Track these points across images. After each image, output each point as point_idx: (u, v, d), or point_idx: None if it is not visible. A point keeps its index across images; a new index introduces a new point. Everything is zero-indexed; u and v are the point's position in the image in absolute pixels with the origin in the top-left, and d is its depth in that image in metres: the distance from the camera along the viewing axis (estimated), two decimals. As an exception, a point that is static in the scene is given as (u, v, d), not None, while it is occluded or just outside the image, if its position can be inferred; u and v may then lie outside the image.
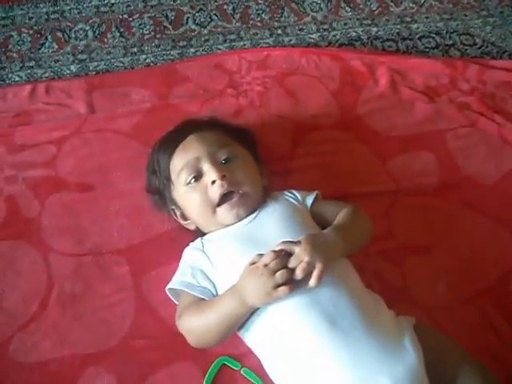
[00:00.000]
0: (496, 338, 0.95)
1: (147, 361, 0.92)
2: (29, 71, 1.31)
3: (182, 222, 0.99)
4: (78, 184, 1.09)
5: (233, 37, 1.40)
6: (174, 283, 0.90)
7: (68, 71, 1.32)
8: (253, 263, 0.79)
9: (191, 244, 0.95)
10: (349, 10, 1.47)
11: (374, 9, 1.47)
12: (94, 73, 1.31)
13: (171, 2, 1.46)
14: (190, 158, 0.92)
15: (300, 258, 0.78)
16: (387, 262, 1.02)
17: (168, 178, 0.96)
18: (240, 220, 0.91)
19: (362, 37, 1.41)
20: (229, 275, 0.83)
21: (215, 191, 0.89)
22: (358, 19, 1.44)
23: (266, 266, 0.77)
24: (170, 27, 1.41)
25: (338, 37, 1.41)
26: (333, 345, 0.76)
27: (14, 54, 1.35)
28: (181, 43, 1.38)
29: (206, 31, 1.41)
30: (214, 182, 0.89)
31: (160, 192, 1.00)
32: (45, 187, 1.09)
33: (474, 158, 1.16)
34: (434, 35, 1.41)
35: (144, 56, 1.35)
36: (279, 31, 1.41)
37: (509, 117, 1.21)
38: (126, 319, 0.95)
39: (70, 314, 0.96)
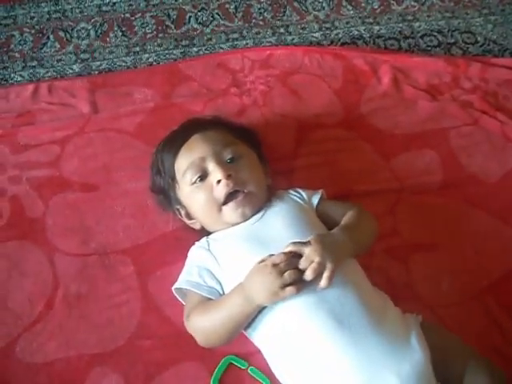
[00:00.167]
0: (500, 335, 0.95)
1: (154, 361, 0.92)
2: (31, 71, 1.31)
3: (187, 222, 0.98)
4: (82, 184, 1.09)
5: (235, 36, 1.39)
6: (181, 283, 0.90)
7: (70, 71, 1.31)
8: (262, 261, 0.79)
9: (197, 243, 0.95)
10: (351, 8, 1.46)
11: (376, 7, 1.47)
12: (96, 72, 1.30)
13: (173, 1, 1.45)
14: (195, 157, 0.92)
15: (311, 259, 0.78)
16: (392, 259, 1.02)
17: (173, 178, 0.96)
18: (246, 219, 0.91)
19: (364, 35, 1.40)
20: (236, 274, 0.83)
21: (221, 190, 0.89)
22: (359, 18, 1.44)
23: (275, 265, 0.77)
24: (173, 26, 1.41)
25: (340, 35, 1.40)
26: (340, 343, 0.76)
27: (16, 54, 1.34)
28: (183, 42, 1.38)
29: (208, 30, 1.40)
30: (219, 181, 0.89)
31: (165, 192, 1.00)
32: (49, 187, 1.08)
33: (477, 155, 1.16)
34: (435, 33, 1.41)
35: (146, 55, 1.34)
36: (282, 30, 1.41)
37: (511, 114, 1.21)
38: (132, 319, 0.95)
39: (76, 315, 0.96)
